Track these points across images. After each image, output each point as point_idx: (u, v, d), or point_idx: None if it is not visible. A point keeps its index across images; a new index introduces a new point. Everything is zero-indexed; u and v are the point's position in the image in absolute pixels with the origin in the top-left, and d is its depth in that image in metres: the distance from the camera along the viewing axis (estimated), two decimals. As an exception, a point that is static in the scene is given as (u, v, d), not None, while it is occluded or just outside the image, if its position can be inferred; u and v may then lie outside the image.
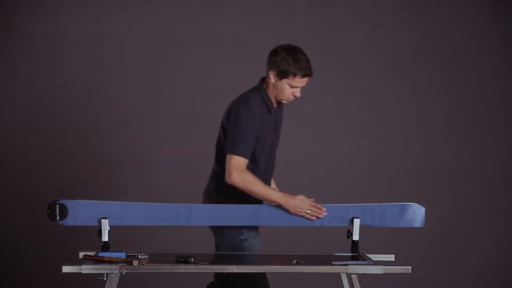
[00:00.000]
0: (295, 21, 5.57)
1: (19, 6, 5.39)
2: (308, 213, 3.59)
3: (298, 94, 3.60)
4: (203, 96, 5.50)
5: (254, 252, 3.67)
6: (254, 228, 3.71)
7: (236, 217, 3.59)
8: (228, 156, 3.53)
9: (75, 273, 3.25)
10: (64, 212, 3.50)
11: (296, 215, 3.59)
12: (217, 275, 3.82)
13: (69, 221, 3.52)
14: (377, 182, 5.58)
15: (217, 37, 5.51)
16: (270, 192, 3.58)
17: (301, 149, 5.50)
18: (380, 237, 4.70)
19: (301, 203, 3.59)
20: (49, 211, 3.52)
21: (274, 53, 3.60)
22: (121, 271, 3.24)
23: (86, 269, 3.24)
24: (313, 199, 3.61)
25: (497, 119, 5.69)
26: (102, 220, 3.49)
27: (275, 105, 3.66)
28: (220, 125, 3.73)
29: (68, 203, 3.51)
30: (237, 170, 3.49)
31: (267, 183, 3.71)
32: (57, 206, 3.51)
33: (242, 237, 3.66)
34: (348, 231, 3.65)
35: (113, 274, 3.24)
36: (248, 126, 3.54)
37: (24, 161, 5.43)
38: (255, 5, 5.55)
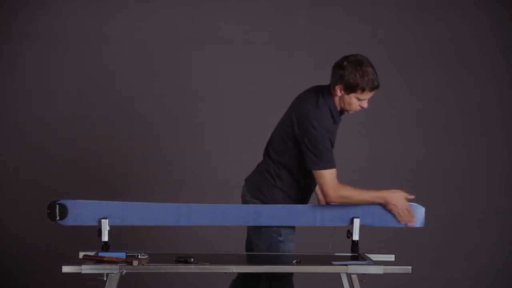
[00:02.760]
0: (295, 21, 5.57)
1: (19, 6, 5.39)
2: (401, 216, 3.59)
3: (365, 105, 3.54)
4: (203, 96, 5.50)
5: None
6: (293, 230, 3.67)
7: (236, 217, 3.59)
8: (317, 173, 3.50)
9: (75, 273, 3.25)
10: (64, 212, 3.51)
11: (390, 211, 3.60)
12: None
13: (69, 221, 3.52)
14: (377, 182, 5.56)
15: (217, 37, 5.51)
16: (367, 197, 3.58)
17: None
18: (380, 237, 4.70)
19: (398, 203, 3.58)
20: (49, 211, 3.52)
21: (339, 66, 3.51)
22: (121, 271, 3.24)
23: (86, 269, 3.24)
24: (413, 196, 3.60)
25: (497, 119, 5.69)
26: (102, 220, 3.49)
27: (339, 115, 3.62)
28: (283, 126, 3.65)
29: (68, 203, 3.51)
30: (332, 188, 3.50)
31: (309, 194, 3.72)
32: (57, 206, 3.51)
33: (280, 238, 3.62)
34: (348, 231, 3.65)
35: (113, 274, 3.24)
36: (325, 138, 3.49)
37: (24, 161, 5.43)
38: (255, 5, 5.55)
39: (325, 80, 3.64)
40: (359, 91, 3.49)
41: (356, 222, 3.60)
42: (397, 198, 3.58)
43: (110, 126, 5.48)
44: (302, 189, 3.67)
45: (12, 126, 5.44)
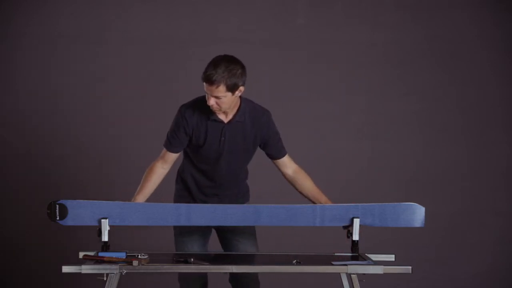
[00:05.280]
0: (295, 21, 5.57)
1: (19, 6, 5.39)
2: None
3: (208, 102, 3.59)
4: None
5: (187, 249, 3.73)
6: (188, 226, 3.73)
7: (236, 217, 3.59)
8: None
9: (75, 273, 3.25)
10: (64, 212, 3.50)
11: None
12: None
13: (69, 221, 3.52)
14: (377, 182, 5.58)
15: (217, 37, 5.51)
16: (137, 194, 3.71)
17: (301, 149, 5.49)
18: (380, 237, 4.70)
19: None
20: (49, 211, 3.51)
21: None
22: (121, 271, 3.24)
23: (86, 269, 3.24)
24: None
25: (497, 119, 5.69)
26: (102, 220, 3.49)
27: (218, 114, 3.65)
28: None
29: (68, 203, 3.51)
30: (158, 159, 3.79)
31: (217, 199, 3.77)
32: (57, 206, 3.50)
33: (177, 232, 3.79)
34: (348, 231, 3.65)
35: (113, 274, 3.24)
36: (175, 121, 3.74)
37: (24, 161, 5.43)
38: (255, 5, 5.55)
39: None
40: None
41: (356, 222, 3.60)
42: None
43: (110, 126, 5.48)
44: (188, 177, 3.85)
45: (12, 126, 5.44)
